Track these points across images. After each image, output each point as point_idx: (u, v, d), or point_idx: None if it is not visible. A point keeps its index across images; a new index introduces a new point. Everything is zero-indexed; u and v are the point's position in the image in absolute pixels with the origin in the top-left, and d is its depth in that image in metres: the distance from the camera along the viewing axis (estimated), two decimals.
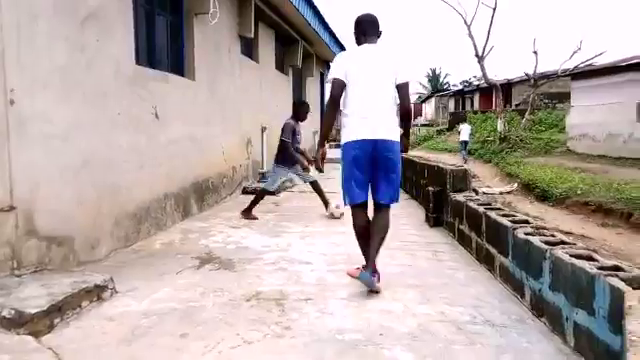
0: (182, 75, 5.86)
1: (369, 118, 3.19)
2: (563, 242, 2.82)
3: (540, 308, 2.78)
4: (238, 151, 7.70)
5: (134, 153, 4.55)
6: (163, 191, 5.16)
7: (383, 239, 3.30)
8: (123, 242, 4.34)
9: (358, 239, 3.36)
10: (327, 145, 3.55)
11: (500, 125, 20.60)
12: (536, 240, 2.89)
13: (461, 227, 4.57)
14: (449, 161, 10.67)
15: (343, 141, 3.31)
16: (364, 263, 3.28)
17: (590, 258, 2.48)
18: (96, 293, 2.98)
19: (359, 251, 3.39)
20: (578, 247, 2.70)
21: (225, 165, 7.17)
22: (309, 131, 12.89)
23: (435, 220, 5.43)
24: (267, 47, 9.58)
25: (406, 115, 3.36)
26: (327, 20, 12.19)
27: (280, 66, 10.91)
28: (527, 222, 3.40)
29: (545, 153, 17.76)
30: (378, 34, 3.40)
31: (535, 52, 20.90)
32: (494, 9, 19.84)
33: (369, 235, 3.26)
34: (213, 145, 6.68)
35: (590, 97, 16.69)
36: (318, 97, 15.69)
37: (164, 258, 4.08)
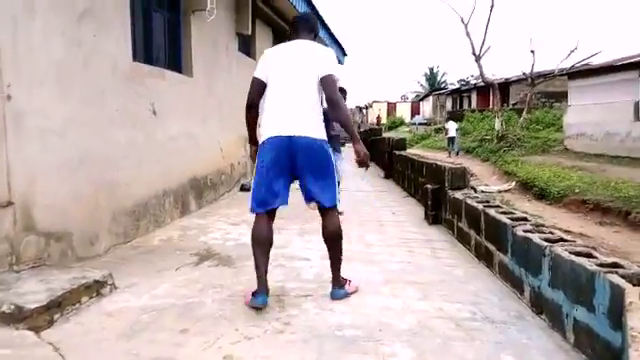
0: (180, 72, 5.84)
1: (285, 114, 2.88)
2: (562, 239, 2.83)
3: (540, 305, 2.79)
4: (236, 148, 7.68)
5: (132, 149, 4.53)
6: (161, 188, 5.14)
7: (340, 248, 3.04)
8: (122, 238, 4.32)
9: (254, 252, 2.91)
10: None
11: (498, 124, 20.65)
12: (535, 237, 2.89)
13: (460, 224, 4.58)
14: (447, 160, 10.67)
15: (260, 143, 2.98)
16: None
17: (589, 255, 2.48)
18: (95, 289, 2.97)
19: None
20: (577, 244, 2.71)
21: (223, 162, 7.16)
22: None
23: (434, 218, 5.44)
24: (264, 44, 9.55)
25: (333, 105, 2.88)
26: (324, 17, 12.16)
27: None
28: (526, 219, 3.41)
29: (543, 152, 17.79)
30: (313, 34, 3.16)
31: (532, 51, 20.96)
32: (491, 7, 19.91)
33: (267, 249, 2.92)
34: (211, 142, 6.66)
35: (587, 96, 16.73)
36: None
37: (163, 254, 4.07)
